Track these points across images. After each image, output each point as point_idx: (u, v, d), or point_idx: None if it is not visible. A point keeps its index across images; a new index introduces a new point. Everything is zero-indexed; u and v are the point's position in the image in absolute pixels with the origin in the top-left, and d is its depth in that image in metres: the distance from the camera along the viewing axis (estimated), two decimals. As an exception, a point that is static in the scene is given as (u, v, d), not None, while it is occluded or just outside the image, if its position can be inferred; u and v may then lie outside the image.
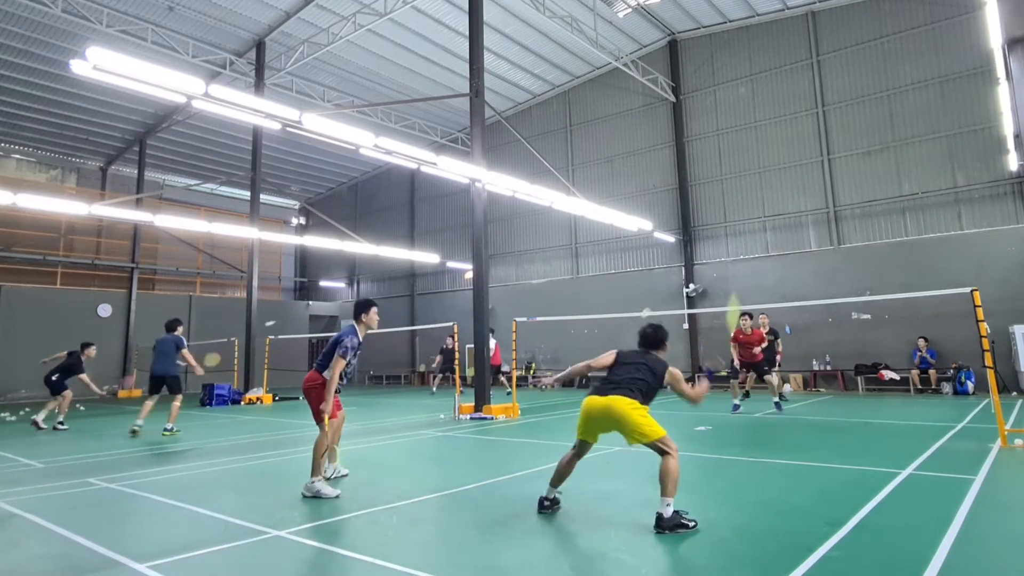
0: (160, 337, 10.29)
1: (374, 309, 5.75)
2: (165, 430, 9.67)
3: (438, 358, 18.52)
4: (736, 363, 11.07)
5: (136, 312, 22.71)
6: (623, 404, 4.33)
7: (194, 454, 7.86)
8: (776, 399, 10.73)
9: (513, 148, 22.54)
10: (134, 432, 9.53)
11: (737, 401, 10.85)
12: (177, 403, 9.97)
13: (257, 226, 18.14)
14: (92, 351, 11.49)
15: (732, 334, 11.14)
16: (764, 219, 18.07)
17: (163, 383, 10.07)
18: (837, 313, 16.23)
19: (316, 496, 5.08)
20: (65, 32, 16.49)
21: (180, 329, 10.42)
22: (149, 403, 9.95)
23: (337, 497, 5.09)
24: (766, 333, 11.80)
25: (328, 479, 5.60)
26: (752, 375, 11.20)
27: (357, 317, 5.72)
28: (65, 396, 11.09)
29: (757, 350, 10.74)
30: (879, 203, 16.24)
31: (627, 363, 4.79)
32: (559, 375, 5.11)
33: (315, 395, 5.42)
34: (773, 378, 10.94)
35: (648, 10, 18.46)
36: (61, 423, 10.97)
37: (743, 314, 11.10)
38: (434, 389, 18.35)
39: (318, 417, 5.36)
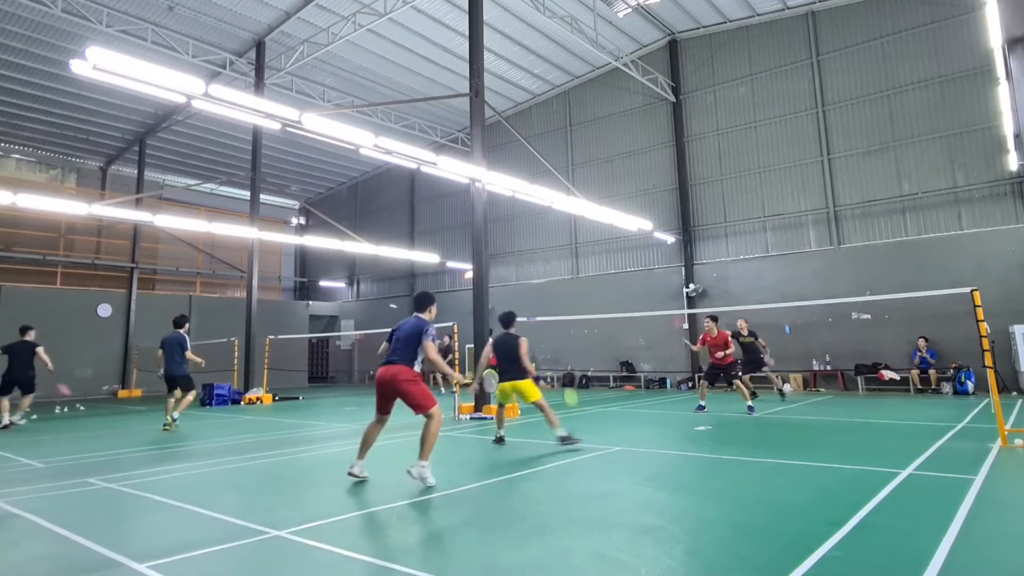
0: (167, 335, 10.58)
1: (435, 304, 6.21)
2: (165, 422, 10.19)
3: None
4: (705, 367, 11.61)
5: (136, 312, 22.70)
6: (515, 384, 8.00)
7: (194, 454, 7.86)
8: (749, 403, 10.74)
9: (513, 148, 22.55)
10: (166, 427, 10.12)
11: (703, 403, 11.28)
12: (189, 398, 10.48)
13: (257, 226, 18.14)
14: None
15: (695, 345, 11.67)
16: (764, 219, 18.07)
17: (175, 383, 10.44)
18: (837, 313, 16.23)
19: (420, 480, 5.27)
20: (65, 32, 16.49)
21: (186, 326, 10.78)
22: (171, 400, 10.43)
23: (432, 486, 5.26)
24: (745, 336, 12.26)
25: (352, 474, 5.66)
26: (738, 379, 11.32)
27: (425, 308, 6.00)
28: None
29: (720, 354, 10.96)
30: (879, 203, 16.24)
31: (501, 349, 8.15)
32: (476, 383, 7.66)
33: (416, 388, 5.56)
34: (742, 385, 11.08)
35: (648, 10, 18.46)
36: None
37: (709, 317, 11.44)
38: (442, 390, 17.78)
39: (424, 407, 5.50)
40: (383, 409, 5.77)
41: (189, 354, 10.54)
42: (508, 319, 8.25)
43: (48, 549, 3.93)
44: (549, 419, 7.66)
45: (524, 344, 7.94)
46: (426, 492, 5.21)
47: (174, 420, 10.32)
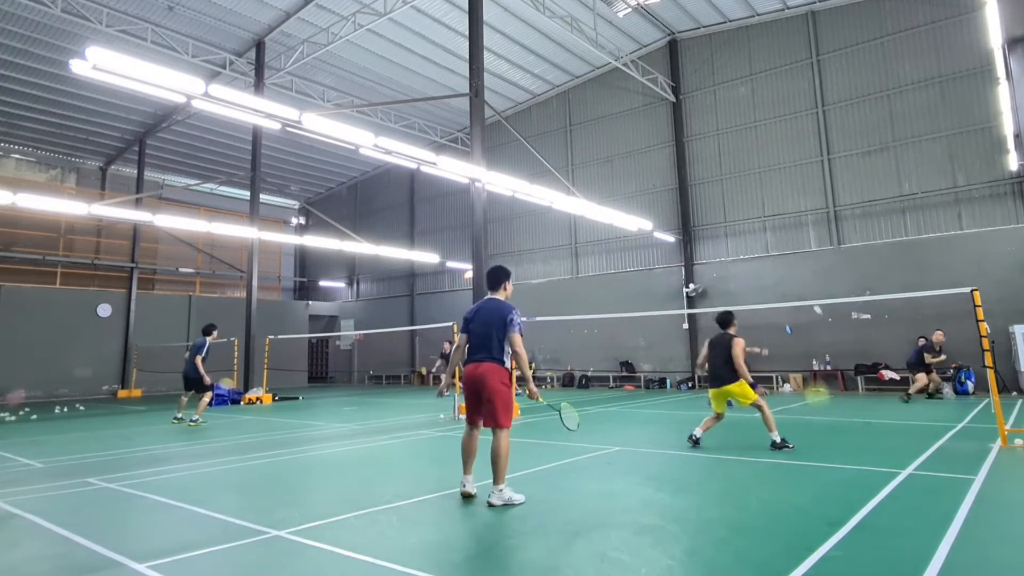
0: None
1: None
2: (191, 420, 10.82)
3: (439, 362, 18.35)
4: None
5: (136, 312, 22.70)
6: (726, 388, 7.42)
7: (194, 454, 7.86)
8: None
9: (513, 148, 22.55)
10: (175, 421, 11.14)
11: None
12: (204, 399, 11.11)
13: (257, 226, 18.14)
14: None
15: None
16: (764, 219, 18.06)
17: (186, 384, 11.23)
18: (837, 313, 16.22)
19: (508, 504, 4.65)
20: (65, 32, 16.48)
21: (215, 334, 11.46)
22: (183, 398, 11.50)
23: (523, 503, 4.70)
24: (938, 350, 13.10)
25: (465, 493, 4.94)
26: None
27: (500, 285, 5.17)
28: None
29: None
30: (879, 203, 16.24)
31: (715, 350, 7.57)
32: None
33: (504, 397, 4.83)
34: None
35: (648, 10, 18.46)
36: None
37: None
38: (445, 392, 17.95)
39: (502, 423, 4.82)
40: (475, 418, 4.98)
41: (198, 361, 11.02)
42: (725, 319, 7.59)
43: (48, 549, 3.92)
44: (767, 421, 7.03)
45: (740, 345, 7.23)
46: (426, 492, 5.20)
47: (194, 421, 10.85)
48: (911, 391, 12.78)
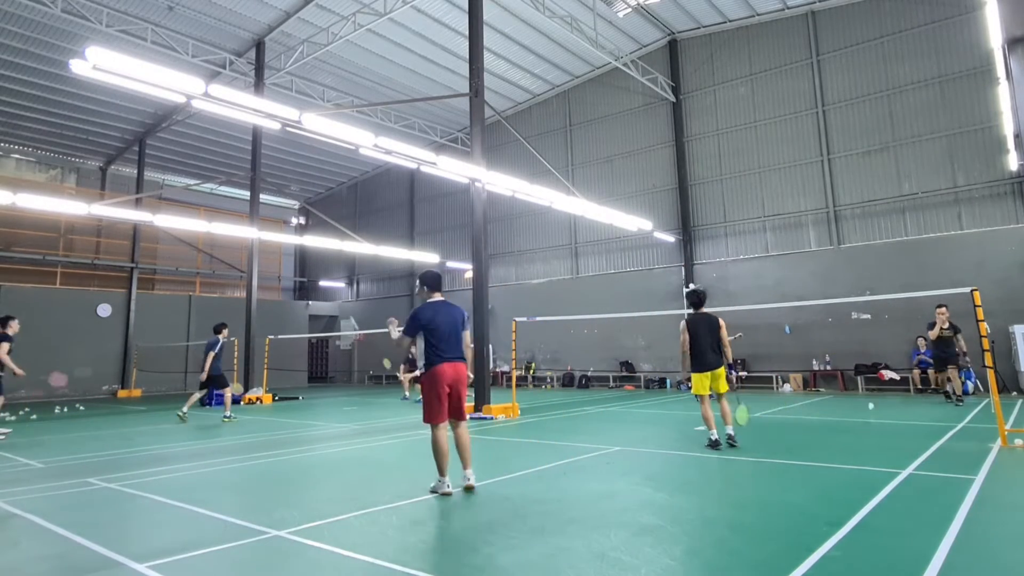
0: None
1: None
2: (224, 416, 11.63)
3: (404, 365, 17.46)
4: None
5: (136, 312, 22.70)
6: (716, 373, 7.22)
7: (194, 454, 7.86)
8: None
9: (513, 148, 22.55)
10: (179, 417, 11.53)
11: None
12: (229, 392, 11.94)
13: (257, 226, 18.13)
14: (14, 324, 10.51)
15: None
16: (764, 219, 18.07)
17: (204, 381, 11.80)
18: (837, 313, 16.23)
19: (434, 492, 5.09)
20: (65, 32, 16.48)
21: (224, 332, 11.95)
22: (195, 395, 11.91)
23: (450, 494, 5.05)
24: (945, 328, 11.25)
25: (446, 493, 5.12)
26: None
27: (440, 287, 5.48)
28: None
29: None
30: (879, 203, 16.25)
31: (702, 331, 7.44)
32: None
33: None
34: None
35: (648, 10, 18.46)
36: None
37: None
38: (407, 394, 16.48)
39: (466, 413, 5.37)
40: (448, 416, 5.24)
41: (208, 356, 11.65)
42: (703, 298, 7.57)
43: (48, 549, 3.92)
44: (724, 413, 7.16)
45: (725, 326, 7.22)
46: (426, 492, 5.20)
47: (227, 417, 11.60)
48: (958, 392, 11.52)
